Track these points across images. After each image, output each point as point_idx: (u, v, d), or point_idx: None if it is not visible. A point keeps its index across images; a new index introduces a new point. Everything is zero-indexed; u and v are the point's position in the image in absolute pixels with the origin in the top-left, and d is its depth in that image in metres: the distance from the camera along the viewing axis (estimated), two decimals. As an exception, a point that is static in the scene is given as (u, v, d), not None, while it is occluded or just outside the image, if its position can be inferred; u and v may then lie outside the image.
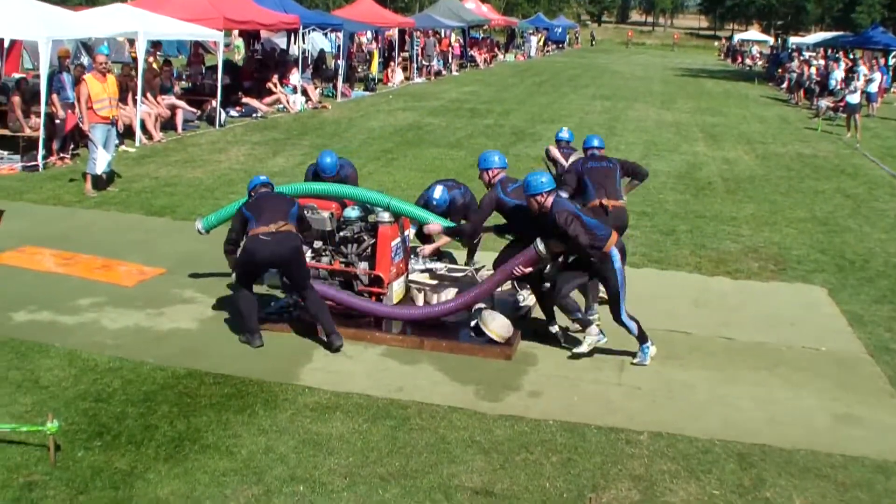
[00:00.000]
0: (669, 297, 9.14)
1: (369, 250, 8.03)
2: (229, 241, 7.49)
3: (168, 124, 18.43)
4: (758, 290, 9.54)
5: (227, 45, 28.50)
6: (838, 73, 30.61)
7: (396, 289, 8.08)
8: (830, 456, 5.90)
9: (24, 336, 7.32)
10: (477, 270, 8.57)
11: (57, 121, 14.46)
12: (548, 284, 7.51)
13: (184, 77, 23.04)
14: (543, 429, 6.12)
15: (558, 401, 6.57)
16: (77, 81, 13.67)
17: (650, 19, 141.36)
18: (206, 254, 9.38)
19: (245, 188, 8.18)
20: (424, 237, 8.98)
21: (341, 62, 27.38)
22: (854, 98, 23.60)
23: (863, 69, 29.82)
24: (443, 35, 41.45)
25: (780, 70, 41.80)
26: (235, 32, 30.78)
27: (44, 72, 14.07)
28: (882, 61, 34.62)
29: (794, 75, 35.11)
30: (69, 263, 9.37)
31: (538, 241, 7.05)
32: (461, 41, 44.76)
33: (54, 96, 14.45)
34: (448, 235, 8.28)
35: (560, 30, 70.57)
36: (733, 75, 49.86)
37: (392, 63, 33.31)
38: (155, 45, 20.99)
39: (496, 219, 7.97)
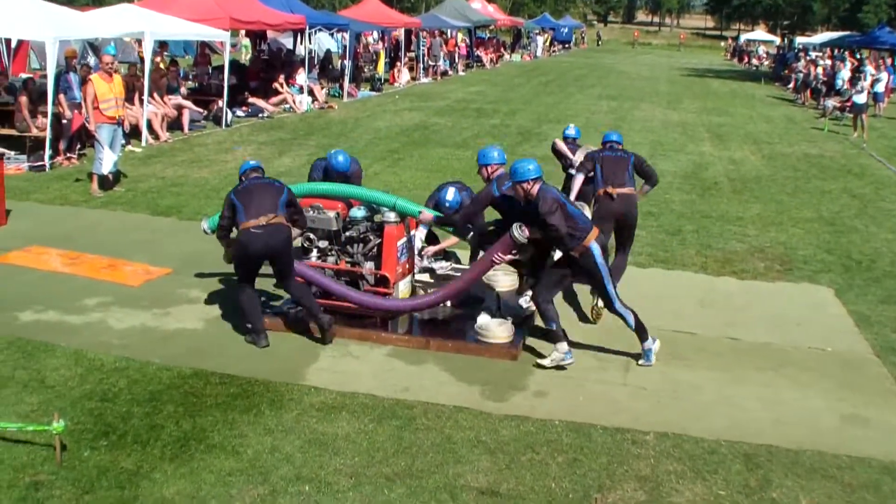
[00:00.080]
0: (675, 297, 9.13)
1: (375, 250, 8.03)
2: (220, 227, 7.49)
3: (174, 124, 18.45)
4: (764, 291, 9.52)
5: (233, 46, 28.54)
6: (845, 73, 30.52)
7: (402, 288, 8.08)
8: (837, 457, 5.89)
9: (31, 335, 7.34)
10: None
11: (64, 121, 14.49)
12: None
13: (190, 77, 23.11)
14: (549, 429, 6.11)
15: (564, 401, 6.57)
16: (84, 81, 13.70)
17: (656, 19, 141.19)
18: (212, 254, 9.37)
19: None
20: (430, 239, 8.97)
21: (347, 62, 27.38)
22: (861, 98, 23.53)
23: (869, 69, 29.73)
24: (449, 35, 41.44)
25: (786, 70, 41.73)
26: (242, 32, 30.81)
27: (51, 72, 14.09)
28: (889, 61, 34.57)
29: (801, 75, 35.07)
30: (75, 263, 9.39)
31: (514, 226, 6.99)
32: (467, 41, 44.77)
33: (61, 96, 14.48)
34: (438, 225, 8.27)
35: (566, 30, 70.54)
36: (739, 75, 49.79)
37: (398, 63, 33.32)
38: (161, 46, 21.04)
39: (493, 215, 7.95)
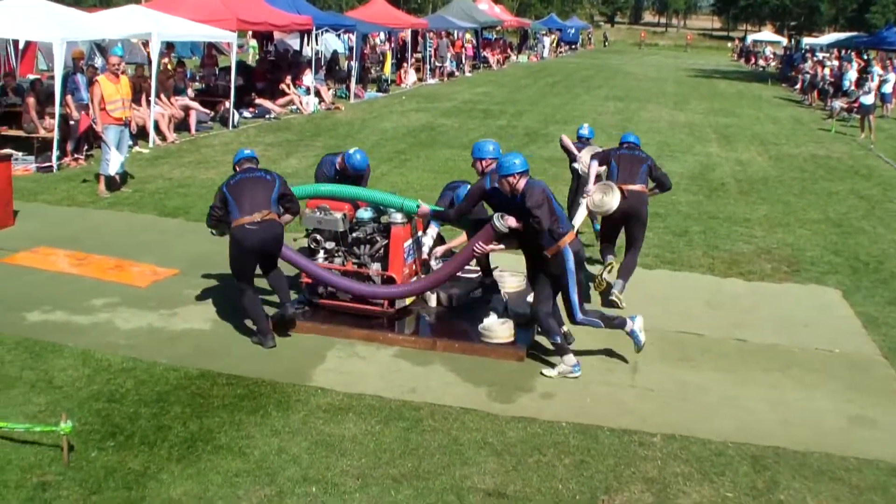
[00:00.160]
0: (682, 298, 9.12)
1: (382, 251, 8.04)
2: (211, 217, 7.51)
3: (181, 125, 18.48)
4: (771, 292, 9.50)
5: (240, 47, 28.57)
6: (852, 74, 30.46)
7: (409, 290, 8.08)
8: (844, 458, 5.88)
9: (38, 336, 7.35)
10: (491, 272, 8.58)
11: (71, 122, 14.53)
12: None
13: (197, 78, 23.14)
14: (556, 430, 6.11)
15: (571, 402, 6.56)
16: (91, 82, 13.73)
17: (663, 20, 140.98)
18: (219, 255, 9.34)
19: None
20: (437, 240, 8.98)
21: (354, 63, 27.39)
22: (868, 99, 23.46)
23: (877, 70, 29.68)
24: (456, 36, 41.45)
25: (793, 71, 41.66)
26: (249, 34, 30.85)
27: (58, 73, 14.13)
28: (896, 62, 34.45)
29: (808, 76, 34.99)
30: (83, 264, 9.41)
31: (495, 216, 7.01)
32: (474, 42, 44.74)
33: (69, 97, 14.53)
34: (434, 219, 8.28)
35: (573, 31, 70.49)
36: (746, 76, 49.71)
37: (405, 64, 33.34)
38: (168, 47, 21.06)
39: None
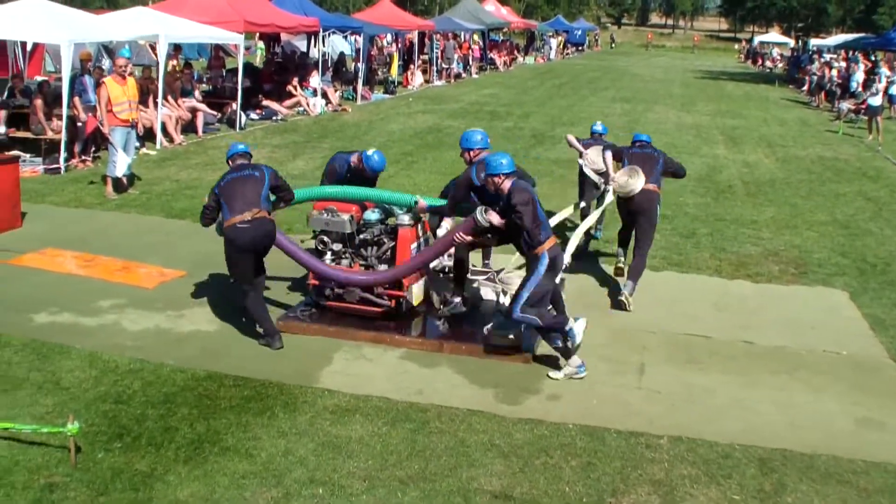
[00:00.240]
0: (689, 300, 9.10)
1: (389, 253, 8.04)
2: (204, 216, 7.60)
3: (188, 127, 18.52)
4: (778, 294, 9.48)
5: (247, 49, 28.62)
6: (859, 75, 30.38)
7: (416, 291, 8.08)
8: (852, 461, 5.86)
9: (46, 337, 7.37)
10: (497, 272, 8.56)
11: (79, 123, 14.56)
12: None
13: (204, 80, 23.17)
14: (563, 432, 6.10)
15: (577, 404, 6.55)
16: (98, 84, 13.76)
17: (670, 22, 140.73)
18: (225, 256, 9.40)
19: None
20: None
21: (361, 65, 27.41)
22: (876, 100, 23.39)
23: (884, 71, 29.60)
24: (462, 38, 41.47)
25: (800, 72, 41.57)
26: (256, 35, 30.90)
27: (66, 75, 14.17)
28: (904, 63, 34.35)
29: (815, 77, 34.91)
30: (90, 265, 9.43)
31: (478, 209, 7.06)
32: (481, 44, 44.77)
33: (76, 99, 14.55)
34: (432, 213, 8.29)
35: (580, 32, 70.43)
36: (753, 78, 49.61)
37: (412, 66, 33.35)
38: (176, 49, 21.10)
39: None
